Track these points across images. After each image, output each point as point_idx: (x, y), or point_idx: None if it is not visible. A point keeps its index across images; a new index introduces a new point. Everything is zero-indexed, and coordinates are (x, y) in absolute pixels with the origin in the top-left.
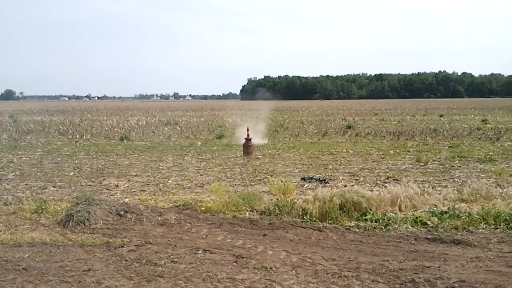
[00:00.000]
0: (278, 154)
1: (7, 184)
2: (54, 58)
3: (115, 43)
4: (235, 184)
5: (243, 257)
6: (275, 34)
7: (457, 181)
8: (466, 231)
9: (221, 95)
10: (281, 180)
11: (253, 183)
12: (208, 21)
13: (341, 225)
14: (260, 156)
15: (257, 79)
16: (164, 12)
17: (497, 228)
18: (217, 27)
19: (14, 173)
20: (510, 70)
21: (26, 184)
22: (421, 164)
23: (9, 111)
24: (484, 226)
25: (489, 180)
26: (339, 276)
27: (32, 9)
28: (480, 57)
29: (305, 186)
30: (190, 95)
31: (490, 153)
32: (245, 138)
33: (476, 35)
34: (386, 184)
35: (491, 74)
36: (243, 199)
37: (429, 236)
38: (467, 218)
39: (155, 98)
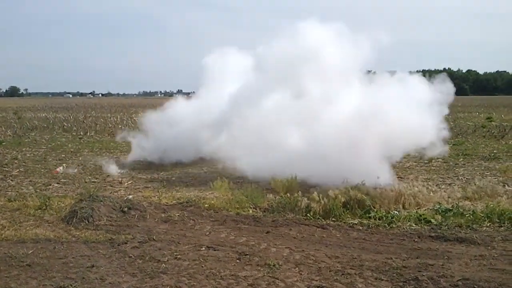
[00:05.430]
0: None
1: (11, 180)
2: (59, 55)
3: (119, 40)
4: (239, 181)
5: (246, 254)
6: (277, 32)
7: (462, 179)
8: (470, 229)
9: None
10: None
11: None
12: (212, 18)
13: (344, 222)
14: None
15: None
16: (167, 10)
17: (502, 226)
18: (221, 23)
19: (18, 170)
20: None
21: (30, 181)
22: (425, 161)
23: (13, 108)
24: (488, 224)
25: (493, 178)
26: (342, 274)
27: (36, 5)
28: (485, 54)
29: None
30: (193, 92)
31: (495, 151)
32: None
33: (481, 32)
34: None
35: (496, 71)
36: (247, 196)
37: (433, 234)
38: (471, 216)
39: (159, 95)
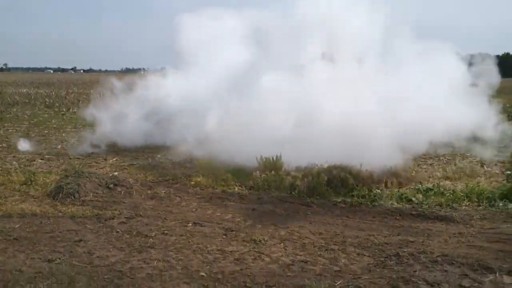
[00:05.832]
0: None
1: None
2: (39, 30)
3: (101, 15)
4: (225, 161)
5: (232, 230)
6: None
7: (442, 159)
8: (450, 208)
9: None
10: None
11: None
12: None
13: (328, 200)
14: None
15: None
16: None
17: (480, 205)
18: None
19: (1, 145)
20: (497, 50)
21: (14, 156)
22: None
23: None
24: (467, 203)
25: (473, 159)
26: (326, 249)
27: None
28: (468, 37)
29: None
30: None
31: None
32: None
33: (469, 15)
34: None
35: (478, 53)
36: (233, 174)
37: (414, 212)
38: (451, 196)
39: (142, 72)
